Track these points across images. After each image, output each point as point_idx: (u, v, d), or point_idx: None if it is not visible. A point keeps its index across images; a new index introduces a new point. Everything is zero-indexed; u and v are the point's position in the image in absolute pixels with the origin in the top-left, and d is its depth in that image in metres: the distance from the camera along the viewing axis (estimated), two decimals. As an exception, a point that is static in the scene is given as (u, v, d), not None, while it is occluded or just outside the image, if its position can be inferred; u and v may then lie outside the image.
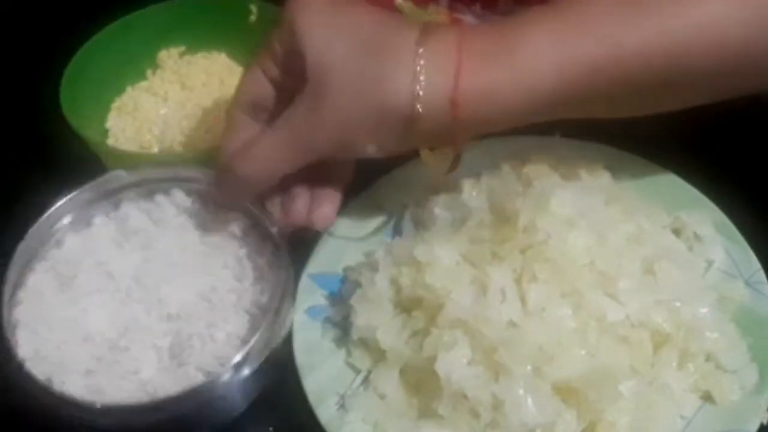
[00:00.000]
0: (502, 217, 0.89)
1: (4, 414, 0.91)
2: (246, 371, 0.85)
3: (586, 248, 0.86)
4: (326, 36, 0.84)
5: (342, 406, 0.85)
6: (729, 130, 1.08)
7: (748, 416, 0.82)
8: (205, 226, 0.97)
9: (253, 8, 1.19)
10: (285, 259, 0.91)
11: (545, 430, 0.79)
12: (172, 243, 0.95)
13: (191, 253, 0.95)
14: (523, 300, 0.83)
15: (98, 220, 0.98)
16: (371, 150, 0.85)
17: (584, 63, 0.80)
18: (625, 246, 0.88)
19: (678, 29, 0.81)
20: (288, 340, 0.89)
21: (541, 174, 0.93)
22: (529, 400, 0.79)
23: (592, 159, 0.97)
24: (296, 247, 0.93)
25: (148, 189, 0.99)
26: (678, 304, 0.85)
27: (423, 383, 0.85)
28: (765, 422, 0.81)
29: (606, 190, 0.93)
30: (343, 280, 0.95)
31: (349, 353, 0.89)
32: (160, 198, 0.98)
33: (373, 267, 0.91)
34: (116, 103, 1.19)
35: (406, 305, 0.88)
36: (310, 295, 0.93)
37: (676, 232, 0.94)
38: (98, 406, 0.82)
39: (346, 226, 0.97)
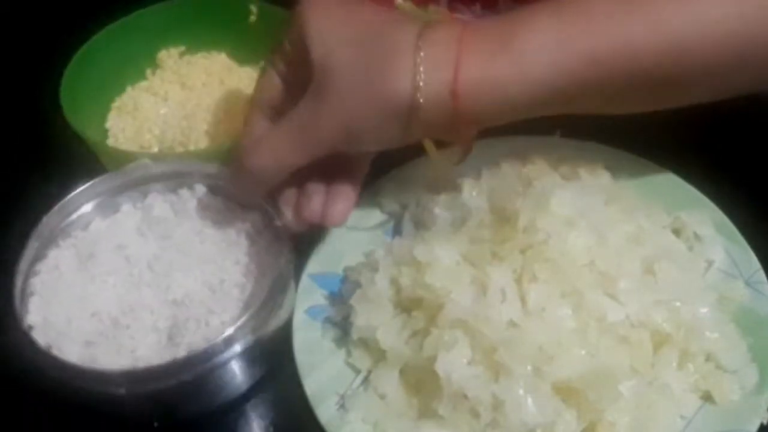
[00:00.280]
0: (502, 217, 0.89)
1: (7, 377, 0.93)
2: (234, 350, 0.86)
3: (586, 248, 0.85)
4: (332, 34, 0.85)
5: (342, 406, 0.85)
6: (729, 130, 1.08)
7: (748, 416, 0.81)
8: (222, 222, 0.99)
9: (253, 8, 1.19)
10: (286, 245, 0.92)
11: (545, 430, 0.79)
12: (189, 235, 0.97)
13: (206, 246, 0.97)
14: (523, 300, 0.83)
15: (125, 207, 1.01)
16: (377, 142, 0.87)
17: (584, 56, 0.81)
18: (625, 246, 0.88)
19: (678, 25, 0.81)
20: (287, 338, 0.89)
21: (541, 174, 0.93)
22: (529, 400, 0.79)
23: (592, 159, 0.97)
24: (297, 246, 0.93)
25: (176, 183, 1.01)
26: (678, 304, 0.85)
27: (423, 383, 0.85)
28: (765, 422, 0.81)
29: (606, 190, 0.93)
30: (343, 280, 0.95)
31: (349, 353, 0.89)
32: (183, 192, 1.00)
33: (373, 267, 0.91)
34: (116, 103, 1.19)
35: (406, 305, 0.88)
36: (310, 295, 0.93)
37: (676, 232, 0.94)
38: (88, 370, 0.85)
39: (346, 226, 0.96)
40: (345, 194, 0.92)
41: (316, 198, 0.92)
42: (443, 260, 0.86)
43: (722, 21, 0.81)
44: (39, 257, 0.95)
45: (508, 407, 0.79)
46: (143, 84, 1.22)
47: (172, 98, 1.19)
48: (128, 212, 1.00)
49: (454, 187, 0.96)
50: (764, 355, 0.84)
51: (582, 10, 0.82)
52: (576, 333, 0.82)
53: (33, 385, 0.87)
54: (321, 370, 0.87)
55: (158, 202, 1.00)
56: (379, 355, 0.87)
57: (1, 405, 0.96)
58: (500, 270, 0.84)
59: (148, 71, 1.22)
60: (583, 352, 0.81)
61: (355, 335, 0.88)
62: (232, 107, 1.14)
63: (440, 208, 0.95)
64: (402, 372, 0.86)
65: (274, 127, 0.90)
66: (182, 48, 1.23)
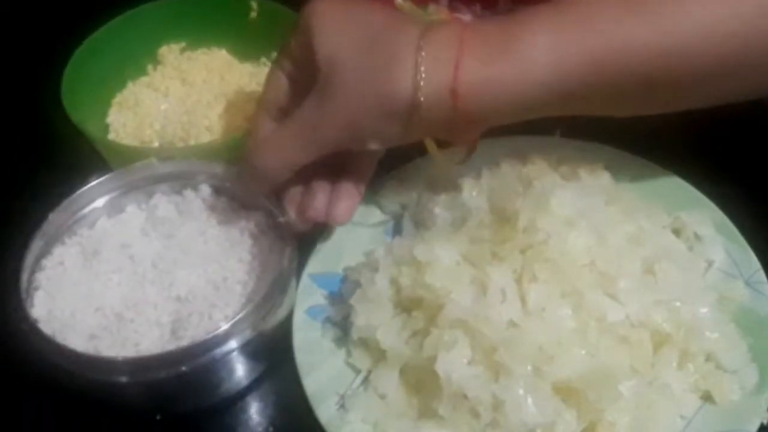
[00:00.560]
0: (502, 217, 0.89)
1: (12, 368, 0.94)
2: (234, 343, 0.86)
3: (586, 248, 0.85)
4: (336, 34, 0.86)
5: (342, 406, 0.85)
6: (729, 130, 1.07)
7: (748, 416, 0.81)
8: (226, 222, 0.99)
9: (254, 5, 1.19)
10: (289, 244, 0.92)
11: (545, 430, 0.79)
12: (193, 234, 0.98)
13: (210, 245, 0.97)
14: (523, 300, 0.83)
15: (131, 208, 1.01)
16: (380, 140, 0.87)
17: (584, 56, 0.81)
18: (625, 246, 0.88)
19: (678, 26, 0.81)
20: (287, 336, 0.89)
21: (541, 174, 0.93)
22: (529, 400, 0.79)
23: (592, 159, 0.97)
24: (299, 245, 0.93)
25: (180, 184, 1.02)
26: (678, 304, 0.85)
27: (423, 383, 0.85)
28: (765, 422, 0.81)
29: (606, 190, 0.93)
30: (343, 280, 0.95)
31: (349, 353, 0.89)
32: (188, 193, 1.01)
33: (373, 267, 0.91)
34: (117, 99, 1.19)
35: (406, 305, 0.88)
36: (310, 295, 0.93)
37: (676, 232, 0.94)
38: (91, 358, 0.86)
39: (346, 226, 0.97)
40: (349, 193, 0.93)
41: (320, 196, 0.92)
42: (443, 260, 0.86)
43: (722, 22, 0.81)
44: (44, 253, 0.96)
45: (508, 407, 0.79)
46: (144, 79, 1.22)
47: (172, 94, 1.19)
48: (133, 212, 1.01)
49: (454, 187, 0.96)
50: (764, 355, 0.84)
51: (582, 11, 0.82)
52: (576, 333, 0.82)
53: (37, 375, 0.87)
54: (321, 370, 0.87)
55: (163, 203, 1.00)
56: (379, 355, 0.87)
57: (6, 396, 0.96)
58: (500, 270, 0.84)
59: (149, 67, 1.22)
60: (583, 352, 0.81)
61: (355, 335, 0.88)
62: (233, 103, 1.15)
63: (440, 208, 0.95)
64: (402, 372, 0.86)
65: (280, 126, 0.90)
66: (183, 44, 1.23)
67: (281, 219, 0.93)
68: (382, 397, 0.86)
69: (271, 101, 0.93)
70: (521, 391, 0.79)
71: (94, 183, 0.99)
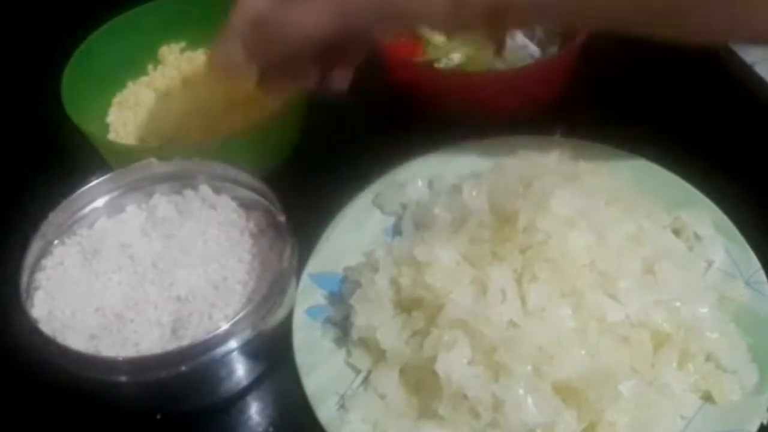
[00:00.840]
0: (502, 217, 0.89)
1: (12, 368, 0.94)
2: (234, 342, 0.86)
3: (586, 248, 0.86)
4: None
5: (342, 406, 0.85)
6: (729, 130, 1.08)
7: (748, 416, 0.82)
8: (226, 222, 0.99)
9: (254, 4, 1.19)
10: (289, 243, 0.92)
11: (545, 430, 0.79)
12: (193, 234, 0.97)
13: (210, 245, 0.97)
14: (523, 300, 0.83)
15: (130, 208, 1.01)
16: (418, 19, 0.85)
17: None
18: (625, 246, 0.88)
19: None
20: (287, 336, 0.89)
21: (541, 174, 0.93)
22: (529, 400, 0.79)
23: (592, 159, 0.97)
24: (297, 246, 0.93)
25: (180, 183, 1.02)
26: (678, 304, 0.85)
27: (423, 383, 0.85)
28: (765, 422, 0.81)
29: (606, 190, 0.93)
30: (343, 280, 0.95)
31: (349, 353, 0.89)
32: (188, 192, 1.01)
33: (373, 267, 0.91)
34: (117, 98, 1.20)
35: (406, 305, 0.88)
36: (310, 295, 0.93)
37: (676, 232, 0.94)
38: (91, 357, 0.86)
39: (346, 226, 0.97)
40: (340, 73, 0.93)
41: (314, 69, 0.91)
42: (443, 260, 0.86)
43: None
44: (44, 253, 0.96)
45: (508, 407, 0.79)
46: (144, 79, 1.22)
47: (172, 94, 1.19)
48: (133, 212, 1.01)
49: (454, 187, 0.96)
50: (764, 355, 0.84)
51: None
52: (576, 333, 0.82)
53: (37, 375, 0.88)
54: (321, 370, 0.87)
55: (163, 203, 1.00)
56: (379, 355, 0.87)
57: (6, 396, 0.96)
58: (500, 270, 0.84)
59: (150, 67, 1.22)
60: (583, 352, 0.81)
61: (355, 335, 0.88)
62: (232, 103, 1.14)
63: (440, 208, 0.95)
64: (402, 372, 0.86)
65: None
66: (183, 44, 1.24)
67: (281, 218, 0.93)
68: (382, 397, 0.86)
69: None
70: (521, 391, 0.79)
71: (94, 183, 0.99)
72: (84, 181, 0.98)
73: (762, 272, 0.90)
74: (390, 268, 0.90)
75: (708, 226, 0.93)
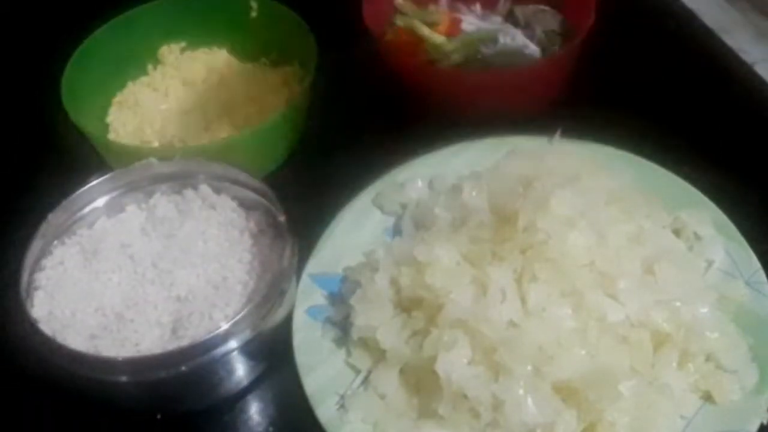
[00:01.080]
0: (502, 217, 0.89)
1: (13, 368, 0.94)
2: (234, 342, 0.86)
3: (586, 248, 0.86)
4: None
5: (342, 406, 0.85)
6: (729, 130, 1.08)
7: (748, 416, 0.82)
8: (226, 222, 0.99)
9: (254, 4, 1.20)
10: (289, 243, 0.92)
11: (545, 430, 0.79)
12: (193, 234, 0.98)
13: (210, 245, 0.97)
14: (523, 300, 0.84)
15: (130, 208, 1.01)
16: None
17: None
18: (625, 246, 0.88)
19: None
20: (287, 335, 0.89)
21: (541, 174, 0.93)
22: (529, 400, 0.79)
23: (592, 159, 0.97)
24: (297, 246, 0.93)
25: (180, 183, 1.02)
26: (678, 304, 0.85)
27: (423, 383, 0.85)
28: (765, 422, 0.81)
29: (606, 190, 0.93)
30: (343, 280, 0.94)
31: (349, 353, 0.89)
32: (188, 192, 1.01)
33: (373, 267, 0.91)
34: (117, 98, 1.20)
35: (406, 305, 0.88)
36: (310, 295, 0.93)
37: (676, 232, 0.94)
38: (91, 358, 0.86)
39: (346, 226, 0.97)
40: None
41: None
42: (443, 260, 0.86)
43: None
44: (44, 253, 0.96)
45: (508, 407, 0.79)
46: (144, 79, 1.22)
47: (172, 94, 1.20)
48: (133, 212, 1.01)
49: (454, 187, 0.96)
50: (764, 355, 0.84)
51: None
52: (576, 333, 0.82)
53: (37, 375, 0.88)
54: (321, 370, 0.87)
55: (163, 203, 1.00)
56: (379, 355, 0.87)
57: (6, 396, 0.96)
58: (500, 270, 0.84)
59: (150, 67, 1.23)
60: (583, 352, 0.81)
61: (355, 335, 0.88)
62: (233, 103, 1.15)
63: (440, 208, 0.95)
64: (402, 372, 0.86)
65: None
66: (183, 44, 1.24)
67: (281, 218, 0.93)
68: (382, 397, 0.85)
69: None
70: (521, 391, 0.79)
71: (94, 183, 0.99)
72: (84, 181, 0.98)
73: (762, 272, 0.90)
74: (390, 268, 0.90)
75: (708, 226, 0.93)
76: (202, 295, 0.92)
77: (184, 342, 0.87)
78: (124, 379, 0.85)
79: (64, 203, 0.97)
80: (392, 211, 1.00)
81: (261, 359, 0.92)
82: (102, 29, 1.17)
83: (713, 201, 0.95)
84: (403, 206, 0.99)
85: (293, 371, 0.87)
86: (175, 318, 0.91)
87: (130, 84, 1.21)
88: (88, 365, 0.85)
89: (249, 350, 0.89)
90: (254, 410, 0.93)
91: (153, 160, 1.00)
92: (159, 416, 0.92)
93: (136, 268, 0.95)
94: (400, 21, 1.19)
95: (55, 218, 0.96)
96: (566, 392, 0.80)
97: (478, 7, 1.22)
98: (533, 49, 1.16)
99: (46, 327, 0.89)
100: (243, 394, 0.93)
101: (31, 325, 0.87)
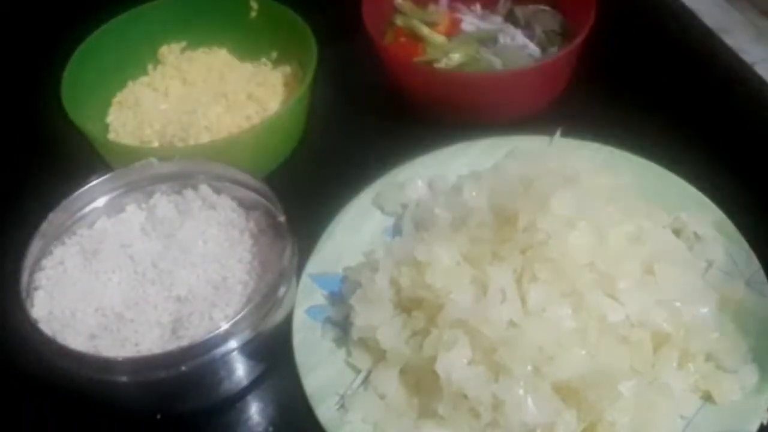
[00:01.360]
0: (502, 217, 0.89)
1: (12, 369, 0.94)
2: (234, 342, 0.86)
3: (586, 248, 0.85)
4: None
5: (342, 406, 0.85)
6: (729, 130, 1.08)
7: (748, 416, 0.82)
8: (226, 222, 0.99)
9: (254, 4, 1.20)
10: (289, 243, 0.91)
11: (545, 430, 0.79)
12: (193, 234, 0.98)
13: (210, 245, 0.97)
14: (523, 300, 0.83)
15: (130, 208, 1.01)
16: None
17: None
18: (625, 246, 0.88)
19: None
20: (287, 335, 0.89)
21: (541, 174, 0.93)
22: (529, 400, 0.79)
23: (592, 159, 0.97)
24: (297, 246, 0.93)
25: (180, 183, 1.02)
26: (678, 304, 0.85)
27: (423, 383, 0.85)
28: (765, 422, 0.81)
29: (606, 190, 0.93)
30: (343, 280, 0.94)
31: (349, 353, 0.89)
32: (188, 192, 1.01)
33: (373, 267, 0.91)
34: (117, 98, 1.20)
35: (406, 305, 0.88)
36: (310, 295, 0.93)
37: (676, 232, 0.94)
38: (91, 358, 0.86)
39: (346, 226, 0.97)
40: None
41: None
42: (443, 260, 0.86)
43: None
44: (44, 253, 0.96)
45: (508, 407, 0.79)
46: (144, 79, 1.22)
47: (172, 93, 1.19)
48: (133, 212, 1.01)
49: (454, 187, 0.96)
50: (764, 355, 0.84)
51: None
52: (576, 333, 0.82)
53: (38, 375, 0.88)
54: (321, 370, 0.87)
55: (163, 203, 1.00)
56: (379, 355, 0.87)
57: (6, 396, 0.96)
58: (500, 270, 0.84)
59: (150, 66, 1.22)
60: (583, 352, 0.81)
61: (355, 335, 0.88)
62: (233, 103, 1.15)
63: (440, 208, 0.95)
64: (402, 372, 0.86)
65: None
66: (183, 44, 1.23)
67: (281, 218, 0.93)
68: (382, 397, 0.86)
69: None
70: (521, 391, 0.79)
71: (94, 183, 0.98)
72: (84, 181, 0.98)
73: (762, 272, 0.90)
74: (390, 268, 0.89)
75: (708, 227, 0.93)
76: (202, 295, 0.92)
77: (184, 342, 0.87)
78: (124, 379, 0.85)
79: (64, 203, 0.96)
80: (392, 211, 1.00)
81: (261, 359, 0.92)
82: (102, 29, 1.17)
83: (713, 201, 0.95)
84: (403, 206, 0.99)
85: (293, 371, 0.87)
86: (175, 318, 0.91)
87: (130, 84, 1.21)
88: (88, 365, 0.84)
89: (249, 350, 0.88)
90: (254, 410, 0.93)
91: (153, 160, 1.00)
92: (159, 416, 0.92)
93: (136, 268, 0.95)
94: (400, 21, 1.20)
95: (55, 218, 0.95)
96: (566, 392, 0.80)
97: (478, 7, 1.23)
98: (533, 49, 1.16)
99: (46, 327, 0.88)
100: (243, 394, 0.93)
101: (31, 325, 0.87)
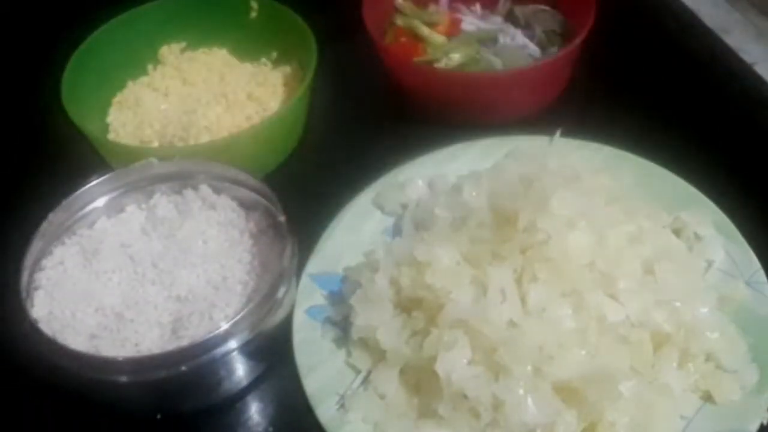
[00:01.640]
0: (502, 217, 0.89)
1: (12, 369, 0.94)
2: (234, 342, 0.86)
3: (586, 248, 0.85)
4: None
5: (342, 406, 0.85)
6: (729, 130, 1.08)
7: (748, 416, 0.82)
8: (226, 222, 0.99)
9: (254, 4, 1.20)
10: (289, 243, 0.91)
11: (545, 430, 0.79)
12: (193, 234, 0.98)
13: (210, 245, 0.97)
14: (523, 300, 0.83)
15: (130, 208, 1.01)
16: None
17: None
18: (625, 246, 0.88)
19: None
20: (287, 335, 0.89)
21: (541, 174, 0.93)
22: (529, 400, 0.79)
23: (592, 159, 0.97)
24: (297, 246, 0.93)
25: (180, 183, 1.02)
26: (678, 304, 0.85)
27: (423, 383, 0.85)
28: (765, 422, 0.81)
29: (606, 190, 0.93)
30: (343, 280, 0.94)
31: (349, 353, 0.89)
32: (188, 192, 1.01)
33: (373, 267, 0.91)
34: (117, 98, 1.20)
35: (406, 305, 0.88)
36: (310, 295, 0.93)
37: (676, 232, 0.94)
38: (91, 357, 0.86)
39: (346, 226, 0.97)
40: None
41: None
42: (443, 260, 0.86)
43: None
44: (44, 253, 0.96)
45: (508, 407, 0.79)
46: (144, 79, 1.22)
47: (172, 94, 1.20)
48: (133, 212, 1.01)
49: (454, 187, 0.96)
50: (764, 355, 0.84)
51: None
52: (576, 333, 0.82)
53: (38, 376, 0.88)
54: (321, 370, 0.87)
55: (163, 203, 1.00)
56: (379, 355, 0.87)
57: (6, 396, 0.96)
58: (500, 270, 0.84)
59: (150, 67, 1.22)
60: (583, 352, 0.81)
61: (355, 335, 0.88)
62: (233, 103, 1.15)
63: (440, 208, 0.94)
64: (402, 372, 0.86)
65: None
66: (183, 44, 1.24)
67: (281, 218, 0.93)
68: (382, 397, 0.86)
69: None
70: (521, 391, 0.79)
71: (94, 183, 0.98)
72: (84, 181, 0.98)
73: (762, 272, 0.90)
74: (390, 268, 0.89)
75: (708, 226, 0.93)
76: (202, 295, 0.92)
77: (184, 342, 0.87)
78: (124, 379, 0.85)
79: (64, 203, 0.96)
80: (392, 211, 1.00)
81: (261, 359, 0.92)
82: (102, 29, 1.17)
83: (713, 201, 0.95)
84: (403, 206, 0.99)
85: (293, 371, 0.87)
86: (175, 318, 0.91)
87: (130, 84, 1.21)
88: (88, 365, 0.84)
89: (249, 350, 0.88)
90: (254, 410, 0.93)
91: (153, 160, 1.00)
92: (159, 416, 0.92)
93: (136, 268, 0.95)
94: (400, 21, 1.20)
95: (55, 218, 0.95)
96: (566, 392, 0.80)
97: (478, 7, 1.23)
98: (533, 49, 1.16)
99: (46, 327, 0.88)
100: (243, 394, 0.93)
101: (31, 325, 0.86)
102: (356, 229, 0.98)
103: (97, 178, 0.99)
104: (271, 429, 0.91)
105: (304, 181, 1.08)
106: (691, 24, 1.25)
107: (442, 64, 1.14)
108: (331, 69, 1.13)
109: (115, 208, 1.00)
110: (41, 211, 0.95)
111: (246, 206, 1.00)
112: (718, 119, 1.06)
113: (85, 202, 0.99)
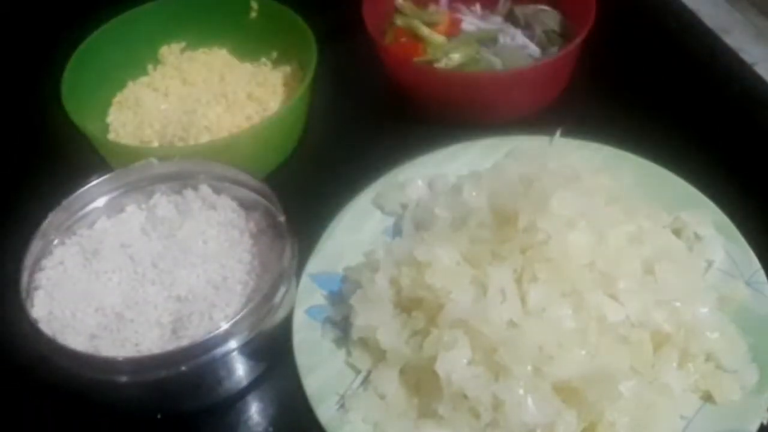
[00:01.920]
0: (502, 217, 0.89)
1: (13, 369, 0.94)
2: (234, 342, 0.86)
3: (586, 248, 0.85)
4: None
5: (342, 406, 0.85)
6: (729, 130, 1.08)
7: (748, 416, 0.82)
8: (226, 222, 0.99)
9: (254, 4, 1.20)
10: (289, 243, 0.91)
11: (545, 430, 0.79)
12: (193, 234, 0.98)
13: (210, 245, 0.97)
14: (523, 300, 0.83)
15: (130, 208, 1.01)
16: None
17: None
18: (625, 246, 0.88)
19: None
20: (287, 335, 0.89)
21: (541, 174, 0.93)
22: (529, 400, 0.79)
23: (592, 159, 0.97)
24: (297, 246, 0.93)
25: (180, 184, 1.02)
26: (678, 304, 0.85)
27: (423, 383, 0.85)
28: (765, 422, 0.81)
29: (606, 190, 0.93)
30: (343, 280, 0.94)
31: (349, 353, 0.89)
32: (188, 192, 1.01)
33: (373, 267, 0.91)
34: (117, 98, 1.20)
35: (406, 305, 0.88)
36: (310, 295, 0.93)
37: (676, 232, 0.94)
38: (91, 357, 0.86)
39: (346, 226, 0.97)
40: None
41: None
42: (443, 260, 0.86)
43: None
44: (44, 253, 0.96)
45: (508, 407, 0.79)
46: (144, 79, 1.22)
47: (172, 94, 1.20)
48: (133, 212, 1.01)
49: (454, 187, 0.96)
50: (764, 355, 0.84)
51: None
52: (576, 333, 0.82)
53: (38, 375, 0.88)
54: (321, 370, 0.87)
55: (163, 203, 1.00)
56: (379, 355, 0.87)
57: (6, 396, 0.96)
58: (500, 270, 0.84)
59: (150, 67, 1.22)
60: (583, 352, 0.81)
61: (355, 335, 0.88)
62: (233, 103, 1.15)
63: (440, 208, 0.95)
64: (402, 372, 0.86)
65: None
66: (183, 44, 1.24)
67: (281, 218, 0.93)
68: (382, 397, 0.86)
69: None
70: (521, 391, 0.79)
71: (94, 183, 0.98)
72: (84, 181, 0.98)
73: (762, 272, 0.90)
74: (390, 268, 0.89)
75: (708, 226, 0.93)
76: (202, 295, 0.92)
77: (184, 342, 0.87)
78: (124, 379, 0.85)
79: (64, 203, 0.96)
80: (392, 211, 1.00)
81: (261, 359, 0.92)
82: (102, 29, 1.17)
83: (713, 201, 0.95)
84: (403, 206, 0.99)
85: (293, 371, 0.87)
86: (175, 318, 0.91)
87: (130, 84, 1.21)
88: (88, 365, 0.85)
89: (249, 350, 0.88)
90: (254, 410, 0.93)
91: (153, 160, 1.00)
92: (159, 416, 0.92)
93: (136, 268, 0.95)
94: (400, 21, 1.20)
95: (55, 218, 0.95)
96: (566, 392, 0.80)
97: (478, 7, 1.23)
98: (533, 49, 1.16)
99: (46, 327, 0.88)
100: (243, 394, 0.93)
101: (31, 325, 0.86)
102: (356, 229, 0.98)
103: (97, 178, 0.98)
104: (271, 429, 0.91)
105: (304, 181, 1.08)
106: (691, 24, 1.25)
107: (442, 64, 1.14)
108: (331, 69, 1.13)
109: (115, 208, 1.00)
110: (41, 211, 0.94)
111: (246, 206, 1.00)
112: (718, 119, 1.06)
113: (85, 202, 0.99)
